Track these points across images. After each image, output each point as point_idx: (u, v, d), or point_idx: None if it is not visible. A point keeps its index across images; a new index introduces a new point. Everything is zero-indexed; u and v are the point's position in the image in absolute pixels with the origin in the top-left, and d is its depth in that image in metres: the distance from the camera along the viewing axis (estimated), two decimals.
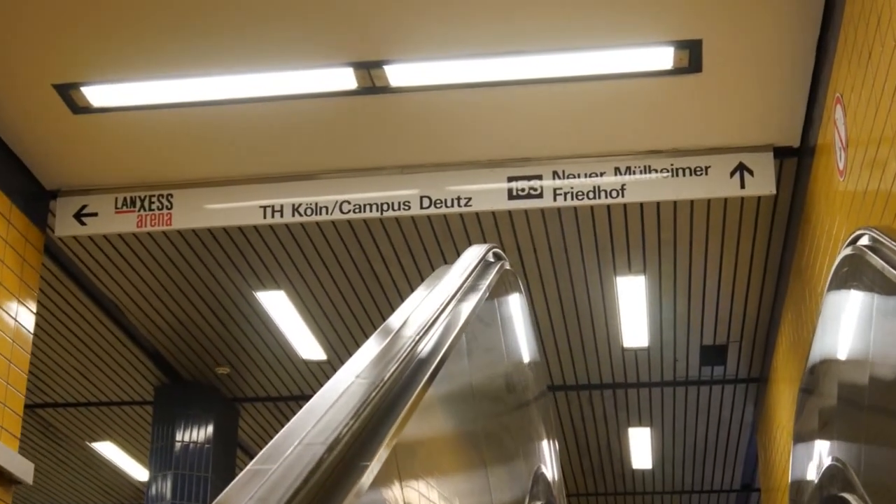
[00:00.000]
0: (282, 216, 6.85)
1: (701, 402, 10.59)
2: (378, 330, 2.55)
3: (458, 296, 3.14)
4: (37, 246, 7.00)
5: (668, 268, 8.15)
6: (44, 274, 7.69)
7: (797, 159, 6.65)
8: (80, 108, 6.41)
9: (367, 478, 1.77)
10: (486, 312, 3.57)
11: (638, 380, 10.15)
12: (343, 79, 6.12)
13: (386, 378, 2.10)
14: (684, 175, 6.56)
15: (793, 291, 7.59)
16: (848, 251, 3.13)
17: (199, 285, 8.44)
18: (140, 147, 6.80)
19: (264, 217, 6.88)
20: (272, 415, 10.84)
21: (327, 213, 6.82)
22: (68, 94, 6.30)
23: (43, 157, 6.88)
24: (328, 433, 1.76)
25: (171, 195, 7.00)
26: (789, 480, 4.16)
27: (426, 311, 2.76)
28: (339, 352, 9.46)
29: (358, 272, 8.26)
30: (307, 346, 9.38)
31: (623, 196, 6.59)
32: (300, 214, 6.84)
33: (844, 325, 3.15)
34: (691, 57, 5.92)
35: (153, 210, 7.00)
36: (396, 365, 2.20)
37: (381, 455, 1.87)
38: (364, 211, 6.78)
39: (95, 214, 7.06)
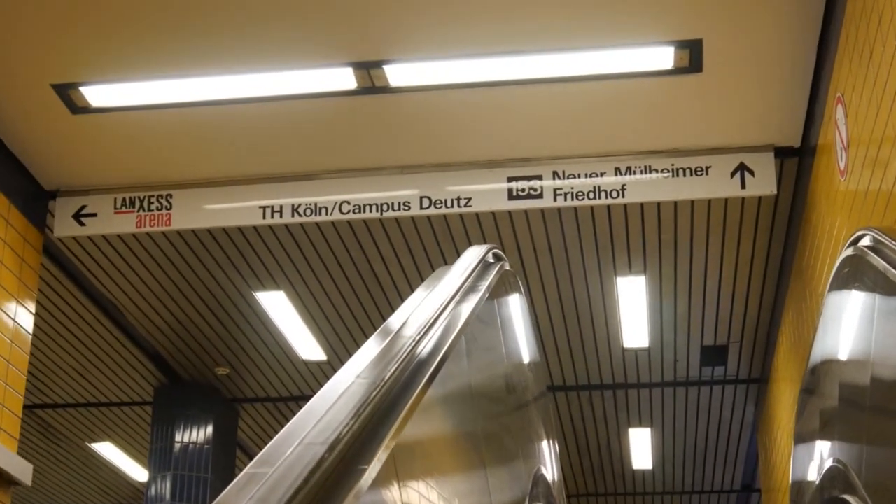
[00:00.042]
0: (281, 216, 6.84)
1: (701, 402, 10.58)
2: (378, 330, 2.55)
3: (457, 296, 3.14)
4: (36, 246, 6.99)
5: (668, 268, 8.15)
6: (43, 274, 7.68)
7: (798, 159, 6.65)
8: (79, 108, 6.41)
9: (368, 477, 1.76)
10: (486, 313, 3.56)
11: (638, 380, 10.14)
12: (343, 79, 6.11)
13: (386, 378, 2.09)
14: (685, 175, 6.55)
15: (793, 292, 7.59)
16: (849, 252, 3.12)
17: (198, 286, 8.43)
18: (139, 147, 6.80)
19: (264, 217, 6.87)
20: (272, 415, 10.83)
21: (327, 213, 6.81)
22: (67, 93, 6.30)
23: (42, 158, 6.87)
24: (329, 433, 1.75)
25: (171, 195, 6.99)
26: (790, 481, 4.15)
27: (426, 311, 2.76)
28: (339, 352, 9.45)
29: (358, 272, 8.26)
30: (307, 346, 9.37)
31: (623, 196, 6.58)
32: (300, 215, 6.83)
33: (846, 326, 3.14)
34: (692, 57, 5.91)
35: (152, 210, 6.99)
36: (397, 365, 2.19)
37: (382, 455, 1.87)
38: (364, 211, 6.77)
39: (94, 215, 7.05)
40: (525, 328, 4.50)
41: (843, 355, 3.22)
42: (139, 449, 11.62)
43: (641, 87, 6.19)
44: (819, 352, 3.58)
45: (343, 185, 6.83)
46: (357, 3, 5.66)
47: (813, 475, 3.50)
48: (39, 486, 12.51)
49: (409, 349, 2.35)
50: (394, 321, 2.65)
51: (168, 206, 6.98)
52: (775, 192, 6.54)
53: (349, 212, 6.78)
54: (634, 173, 6.59)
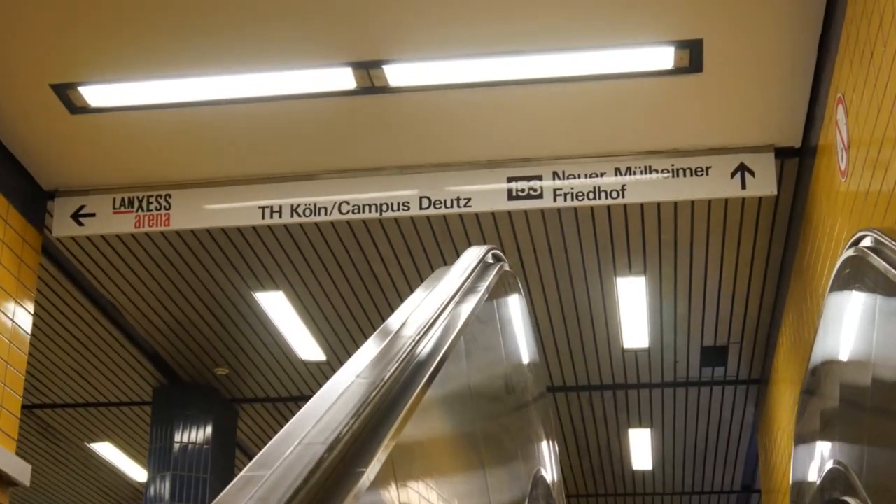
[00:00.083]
0: (280, 217, 6.84)
1: (701, 403, 10.58)
2: (377, 331, 2.55)
3: (457, 297, 3.14)
4: (34, 246, 6.98)
5: (668, 268, 8.14)
6: (41, 275, 7.68)
7: (798, 160, 6.64)
8: (78, 108, 6.40)
9: (367, 478, 1.76)
10: (486, 314, 3.56)
11: (638, 381, 10.14)
12: (342, 79, 6.11)
13: (386, 378, 2.09)
14: (685, 175, 6.55)
15: (794, 292, 7.58)
16: (850, 252, 3.11)
17: (197, 286, 8.43)
18: (138, 147, 6.79)
19: (263, 217, 6.87)
20: (271, 416, 10.82)
21: (326, 213, 6.80)
22: (66, 93, 6.29)
23: (40, 158, 6.87)
24: (328, 433, 1.75)
25: (170, 195, 6.99)
26: (790, 482, 4.15)
27: (425, 312, 2.76)
28: (339, 352, 9.45)
29: (357, 273, 8.25)
30: (306, 346, 9.37)
31: (623, 196, 6.58)
32: (299, 215, 6.82)
33: (846, 327, 3.13)
34: (692, 57, 5.91)
35: (151, 210, 6.98)
36: (396, 365, 2.19)
37: (381, 455, 1.87)
38: (363, 211, 6.77)
39: (93, 215, 7.04)
40: (524, 329, 4.50)
41: (843, 356, 3.21)
42: (138, 449, 11.62)
43: (641, 87, 6.18)
44: (819, 353, 3.57)
45: (342, 186, 6.82)
46: (357, 3, 5.65)
47: (813, 476, 3.49)
48: (38, 486, 12.50)
49: (409, 349, 2.35)
50: (393, 321, 2.65)
51: (167, 207, 6.98)
52: (776, 192, 6.53)
53: (349, 212, 6.78)
54: (634, 173, 6.58)
